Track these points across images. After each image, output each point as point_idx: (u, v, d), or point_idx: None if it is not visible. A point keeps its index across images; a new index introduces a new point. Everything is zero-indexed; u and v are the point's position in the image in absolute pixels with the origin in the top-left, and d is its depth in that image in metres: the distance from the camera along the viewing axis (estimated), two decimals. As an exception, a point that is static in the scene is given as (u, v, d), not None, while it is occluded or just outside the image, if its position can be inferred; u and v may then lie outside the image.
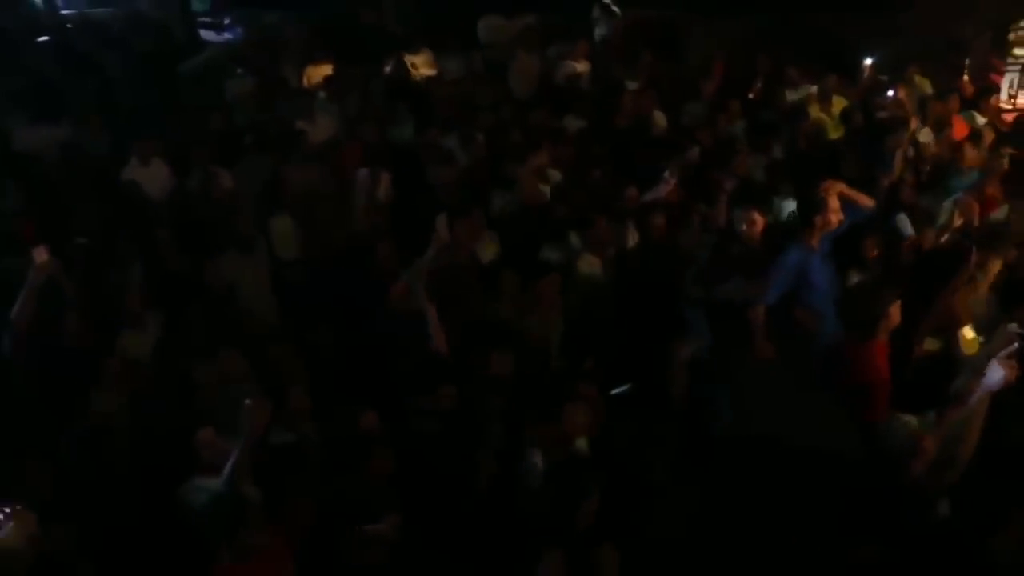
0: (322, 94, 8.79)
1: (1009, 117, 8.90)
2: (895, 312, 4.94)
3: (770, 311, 5.41)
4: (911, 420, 4.73)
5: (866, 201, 5.68)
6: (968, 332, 5.69)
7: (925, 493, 4.58)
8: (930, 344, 5.66)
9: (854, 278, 5.94)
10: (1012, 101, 10.08)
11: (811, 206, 5.49)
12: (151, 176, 7.14)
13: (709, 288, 5.82)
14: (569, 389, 4.80)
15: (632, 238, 6.70)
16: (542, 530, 4.41)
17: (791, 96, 8.69)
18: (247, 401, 4.17)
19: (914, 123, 7.31)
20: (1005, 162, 6.83)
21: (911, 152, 7.25)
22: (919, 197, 6.79)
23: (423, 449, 4.80)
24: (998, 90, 9.48)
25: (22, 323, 5.19)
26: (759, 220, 5.90)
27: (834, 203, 5.38)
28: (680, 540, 4.55)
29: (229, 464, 4.20)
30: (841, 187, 5.50)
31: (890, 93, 8.25)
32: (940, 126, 7.58)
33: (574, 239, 6.51)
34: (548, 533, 4.36)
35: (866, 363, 4.96)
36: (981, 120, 8.25)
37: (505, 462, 4.80)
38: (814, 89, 8.63)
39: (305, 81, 9.35)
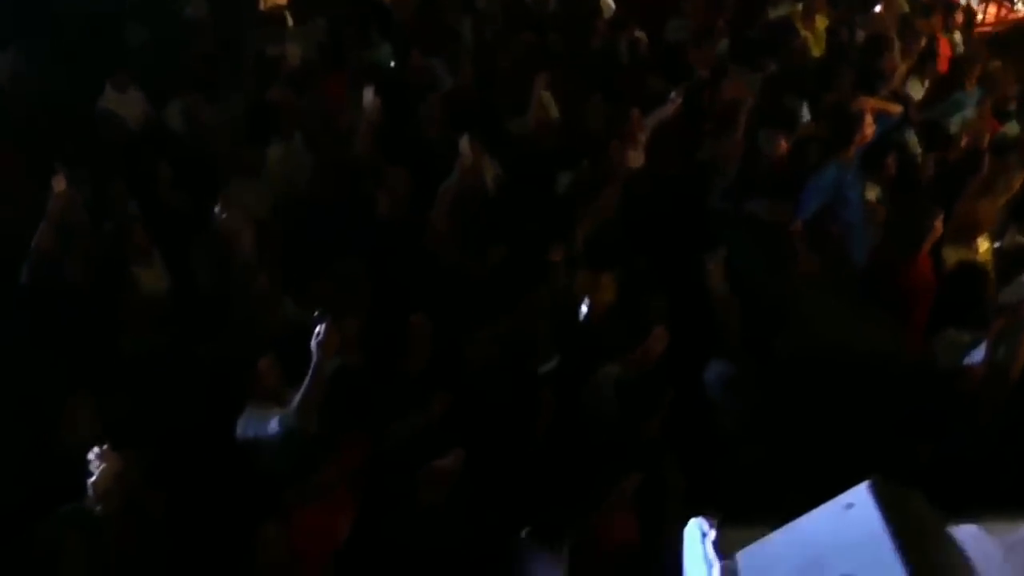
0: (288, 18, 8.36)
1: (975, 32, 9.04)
2: (939, 225, 5.00)
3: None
4: (963, 335, 4.80)
5: (895, 108, 5.71)
6: (983, 242, 5.80)
7: (976, 406, 4.67)
8: (949, 254, 5.75)
9: (872, 192, 5.96)
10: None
11: (841, 121, 5.48)
12: (128, 105, 6.69)
13: (738, 206, 5.78)
14: (643, 313, 4.71)
15: (638, 160, 6.59)
16: (607, 450, 4.36)
17: (773, 14, 8.62)
18: (318, 329, 3.95)
19: (922, 42, 7.37)
20: (1010, 76, 6.94)
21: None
22: (928, 112, 6.84)
23: (478, 381, 4.68)
24: (958, 6, 9.61)
25: (40, 253, 4.90)
26: (784, 143, 5.86)
27: (870, 118, 5.38)
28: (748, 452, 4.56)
29: (299, 396, 4.00)
30: (872, 100, 5.50)
31: (877, 8, 8.29)
32: (931, 42, 7.63)
33: (585, 163, 6.38)
34: (614, 452, 4.31)
35: (911, 274, 5.04)
36: (958, 37, 8.38)
37: (563, 391, 4.73)
38: (799, 7, 8.58)
39: (261, 4, 8.89)
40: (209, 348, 4.73)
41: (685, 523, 3.81)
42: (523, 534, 4.16)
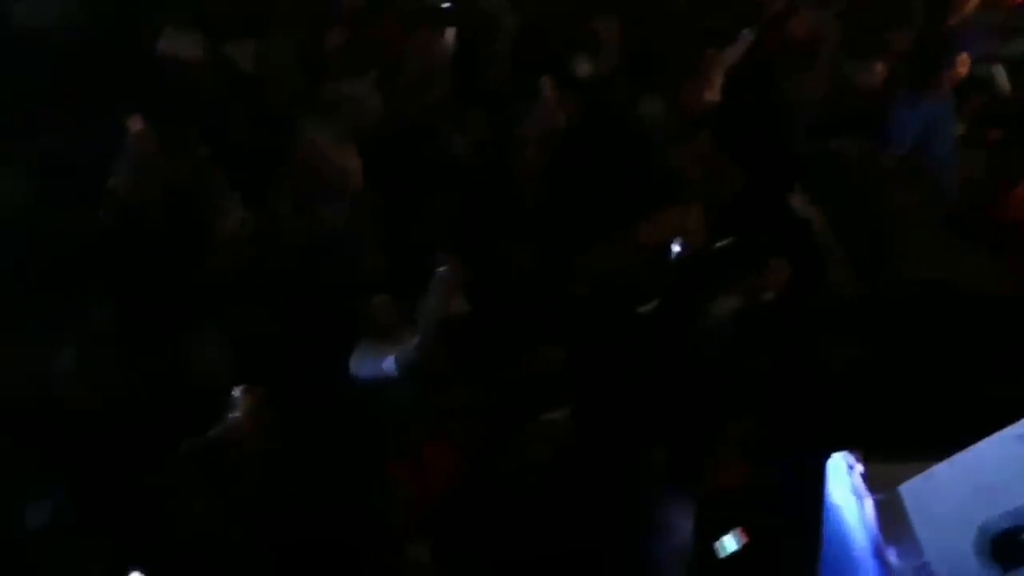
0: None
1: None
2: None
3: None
4: None
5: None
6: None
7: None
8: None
9: (960, 128, 5.86)
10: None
11: (933, 56, 5.40)
12: (190, 47, 6.54)
13: (826, 141, 5.68)
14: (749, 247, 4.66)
15: (714, 99, 6.48)
16: (720, 390, 4.32)
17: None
18: (439, 269, 3.90)
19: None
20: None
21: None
22: (1009, 46, 6.68)
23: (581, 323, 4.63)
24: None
25: (118, 197, 4.86)
26: (881, 70, 5.73)
27: (965, 56, 5.32)
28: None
29: (421, 334, 3.96)
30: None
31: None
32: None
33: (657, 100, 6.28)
34: (728, 392, 4.28)
35: (1013, 209, 4.97)
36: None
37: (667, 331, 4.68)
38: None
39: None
40: (306, 286, 4.67)
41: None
42: (642, 481, 4.12)
